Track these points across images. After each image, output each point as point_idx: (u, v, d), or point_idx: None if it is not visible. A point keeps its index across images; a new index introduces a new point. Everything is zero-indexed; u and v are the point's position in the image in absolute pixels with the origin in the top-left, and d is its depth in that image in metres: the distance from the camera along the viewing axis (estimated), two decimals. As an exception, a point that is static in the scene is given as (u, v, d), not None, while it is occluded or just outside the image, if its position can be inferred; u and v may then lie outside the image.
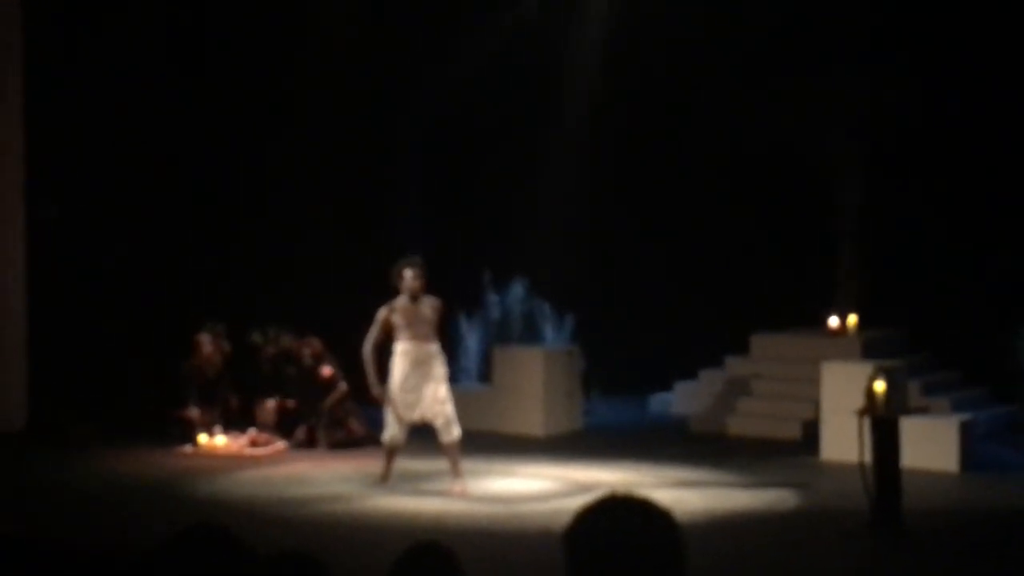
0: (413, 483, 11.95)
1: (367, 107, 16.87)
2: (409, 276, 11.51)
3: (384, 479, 11.85)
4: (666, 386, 16.42)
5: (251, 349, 14.58)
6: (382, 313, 11.61)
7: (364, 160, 17.01)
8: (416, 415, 11.67)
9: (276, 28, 16.15)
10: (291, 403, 14.35)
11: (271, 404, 14.34)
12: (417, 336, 11.54)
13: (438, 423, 11.60)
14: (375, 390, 11.65)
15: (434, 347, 11.64)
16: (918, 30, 15.34)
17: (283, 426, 14.24)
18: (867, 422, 10.26)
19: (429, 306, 11.58)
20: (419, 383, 11.58)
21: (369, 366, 11.58)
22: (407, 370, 11.57)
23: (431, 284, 11.65)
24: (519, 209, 17.22)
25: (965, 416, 13.32)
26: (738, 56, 15.96)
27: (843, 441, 11.96)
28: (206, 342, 14.39)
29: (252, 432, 14.11)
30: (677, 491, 11.43)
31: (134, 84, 15.08)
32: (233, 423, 14.29)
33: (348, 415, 14.20)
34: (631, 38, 16.39)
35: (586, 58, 17.20)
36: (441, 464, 11.90)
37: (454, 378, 12.02)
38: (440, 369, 11.65)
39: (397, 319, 11.56)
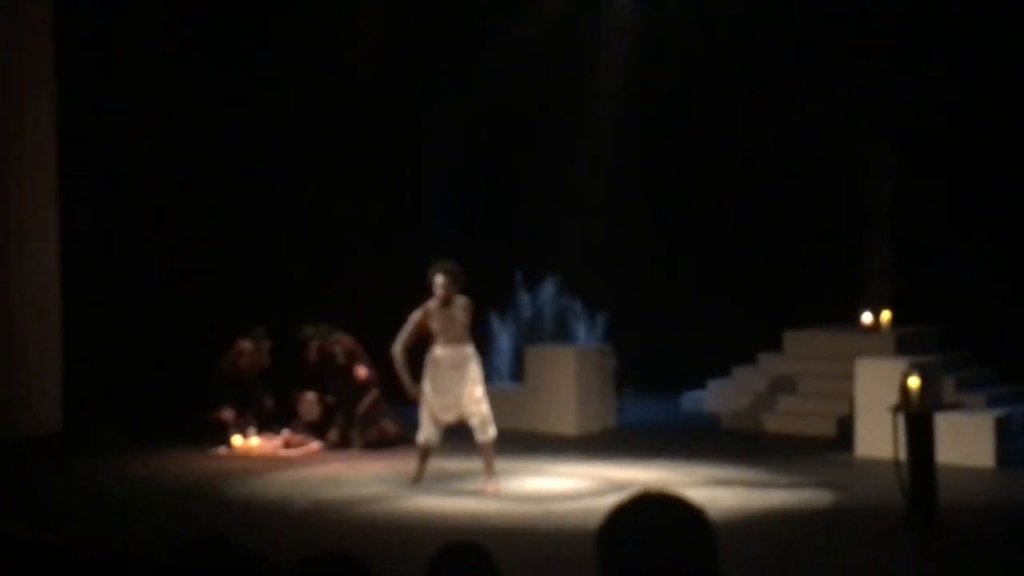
0: (447, 483, 11.97)
1: (401, 108, 16.88)
2: (439, 282, 11.52)
3: (417, 480, 11.87)
4: (699, 384, 16.38)
5: (300, 342, 14.58)
6: (416, 315, 11.63)
7: (398, 160, 17.02)
8: (452, 417, 11.69)
9: (311, 31, 16.18)
10: (331, 398, 14.38)
11: (312, 397, 14.36)
12: (452, 339, 11.57)
13: (474, 422, 11.62)
14: (410, 391, 11.68)
15: (469, 349, 11.67)
16: (953, 28, 15.25)
17: (325, 421, 14.27)
18: (902, 418, 10.22)
19: (461, 308, 11.59)
20: (455, 386, 11.60)
21: (400, 366, 11.61)
22: (443, 373, 11.59)
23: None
24: (551, 207, 17.22)
25: (1000, 412, 13.25)
26: (773, 53, 15.91)
27: (878, 438, 11.91)
28: (247, 350, 14.42)
29: (286, 433, 14.15)
30: (710, 489, 11.41)
31: (168, 89, 15.15)
32: (267, 424, 14.33)
33: (382, 415, 14.22)
34: (663, 34, 16.36)
35: (617, 55, 17.17)
36: (474, 464, 11.92)
37: (486, 377, 12.04)
38: (476, 370, 11.67)
39: (431, 323, 11.58)
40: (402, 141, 17.00)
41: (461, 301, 11.62)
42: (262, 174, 15.99)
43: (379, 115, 16.71)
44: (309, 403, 14.37)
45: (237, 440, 13.99)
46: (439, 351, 11.62)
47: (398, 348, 11.63)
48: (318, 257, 16.32)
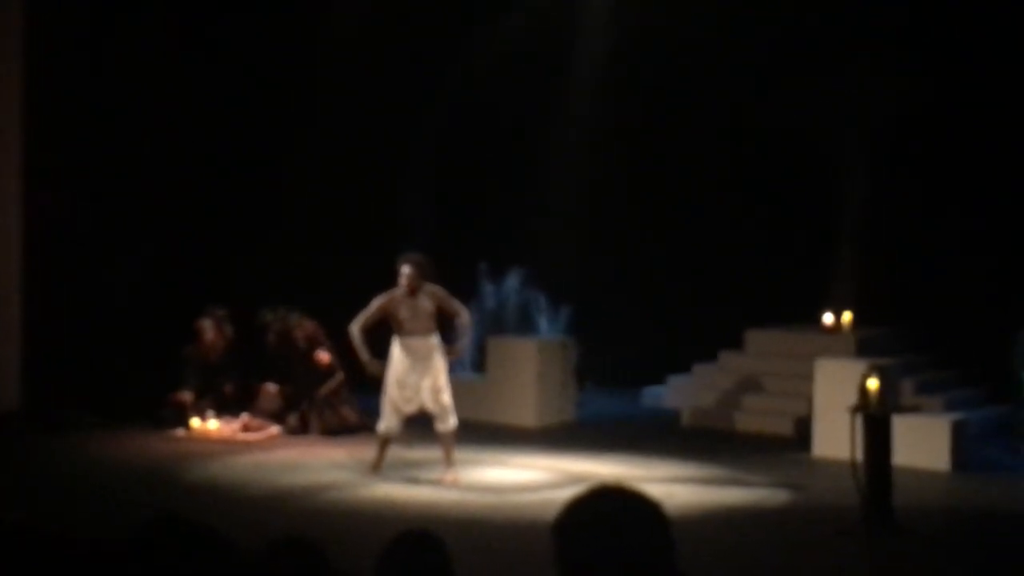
0: (405, 471, 11.97)
1: (380, 97, 16.81)
2: (404, 273, 11.51)
3: (376, 468, 11.87)
4: (659, 380, 16.41)
5: (260, 327, 14.56)
6: (379, 300, 11.62)
7: (376, 151, 16.95)
8: (414, 407, 11.70)
9: (293, 21, 16.09)
10: (290, 389, 14.34)
11: (273, 389, 14.32)
12: (417, 330, 11.55)
13: (435, 412, 11.62)
14: (369, 367, 11.66)
15: (434, 339, 11.66)
16: (929, 32, 15.32)
17: (284, 412, 14.24)
18: (860, 419, 10.27)
19: (428, 298, 11.57)
20: (419, 377, 11.60)
21: (358, 343, 11.60)
22: (408, 364, 11.58)
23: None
24: (517, 199, 17.21)
25: (957, 415, 13.33)
26: (744, 50, 15.93)
27: (835, 438, 11.95)
28: (208, 328, 14.38)
29: (245, 417, 14.11)
30: (667, 485, 11.43)
31: (139, 67, 15.03)
32: (226, 408, 14.28)
33: (342, 402, 14.20)
34: (638, 27, 16.35)
35: (591, 48, 17.16)
36: (434, 453, 11.92)
37: (448, 368, 12.03)
38: (440, 360, 11.66)
39: (397, 312, 11.56)
40: (374, 133, 16.92)
41: (430, 290, 11.59)
42: (235, 157, 15.87)
43: (357, 105, 16.63)
44: (270, 395, 14.33)
45: (195, 422, 13.94)
46: (403, 341, 11.61)
47: (356, 326, 11.62)
48: (288, 243, 16.25)
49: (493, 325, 15.83)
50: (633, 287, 17.00)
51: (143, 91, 15.13)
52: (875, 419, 10.22)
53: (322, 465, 12.43)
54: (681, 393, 15.89)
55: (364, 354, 11.64)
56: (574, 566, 2.82)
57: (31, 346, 14.44)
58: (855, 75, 15.43)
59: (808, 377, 13.69)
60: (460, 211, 17.32)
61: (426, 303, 11.57)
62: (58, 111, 14.56)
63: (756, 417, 14.81)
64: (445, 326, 12.16)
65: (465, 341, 11.98)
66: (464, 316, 11.84)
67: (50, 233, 14.62)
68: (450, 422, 11.64)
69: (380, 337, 11.83)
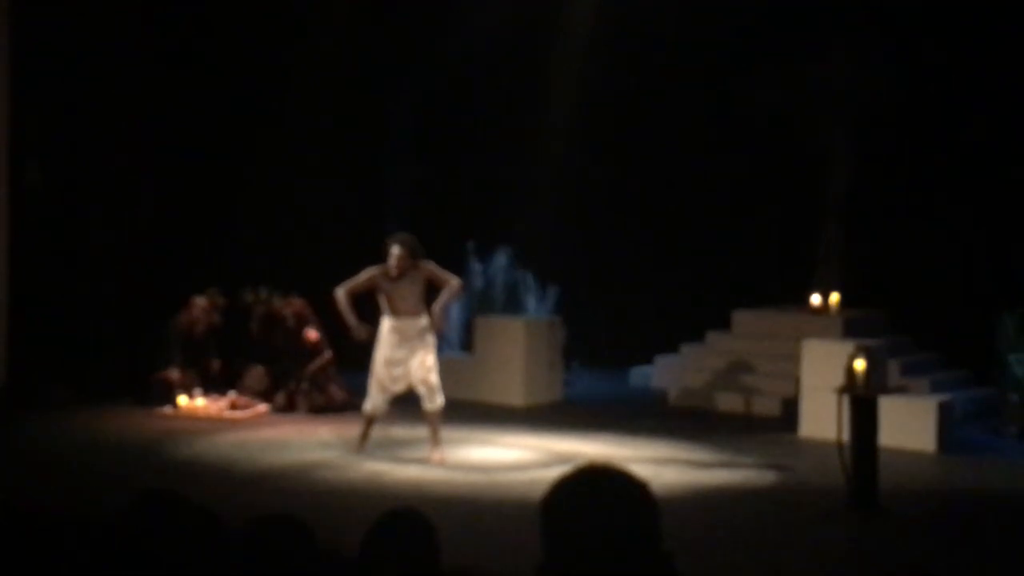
0: (392, 450, 11.97)
1: (361, 76, 16.78)
2: (393, 253, 11.46)
3: (361, 447, 11.86)
4: (647, 360, 16.44)
5: (242, 309, 14.55)
6: (371, 270, 11.57)
7: (356, 130, 16.93)
8: (402, 387, 11.68)
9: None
10: (276, 371, 14.33)
11: (260, 371, 14.31)
12: (406, 311, 11.52)
13: (422, 391, 11.61)
14: (357, 332, 11.63)
15: (423, 320, 11.61)
16: (916, 17, 15.32)
17: (271, 390, 14.23)
18: (846, 400, 10.29)
19: (418, 278, 11.51)
20: (407, 356, 11.58)
21: (344, 307, 11.57)
22: (397, 344, 11.56)
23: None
24: (505, 179, 17.21)
25: (943, 397, 13.37)
26: (734, 32, 15.91)
27: (822, 419, 11.99)
28: (198, 305, 14.37)
29: (232, 395, 14.10)
30: (655, 465, 11.46)
31: (124, 46, 14.98)
32: (214, 385, 14.27)
33: (329, 380, 14.20)
34: (624, 12, 16.33)
35: (578, 31, 17.13)
36: (420, 432, 11.92)
37: (436, 347, 12.02)
38: (430, 339, 11.65)
39: (384, 289, 11.54)
40: (363, 111, 16.90)
41: (422, 266, 11.51)
42: (222, 134, 15.85)
43: (340, 82, 16.60)
44: (257, 374, 14.32)
45: (183, 400, 13.93)
46: (390, 323, 11.58)
47: (342, 291, 11.60)
48: (274, 221, 16.23)
49: (481, 304, 15.84)
50: (621, 267, 17.02)
51: (131, 72, 15.07)
52: (861, 400, 10.23)
53: (309, 444, 12.43)
54: (669, 373, 15.92)
55: (350, 318, 11.61)
56: (561, 545, 2.81)
57: (16, 323, 14.40)
58: (843, 61, 15.43)
59: (795, 358, 13.71)
60: (448, 190, 17.31)
61: (416, 283, 11.53)
62: (45, 87, 14.50)
63: (743, 397, 14.84)
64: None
65: (439, 307, 11.64)
66: (454, 283, 11.71)
67: (37, 210, 14.58)
68: (437, 401, 11.63)
69: (366, 312, 11.81)
